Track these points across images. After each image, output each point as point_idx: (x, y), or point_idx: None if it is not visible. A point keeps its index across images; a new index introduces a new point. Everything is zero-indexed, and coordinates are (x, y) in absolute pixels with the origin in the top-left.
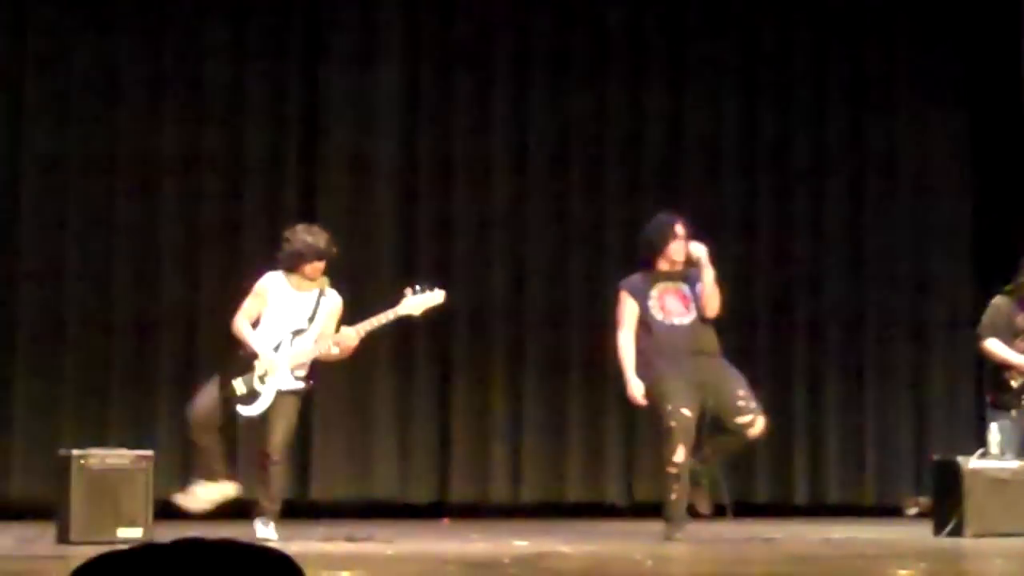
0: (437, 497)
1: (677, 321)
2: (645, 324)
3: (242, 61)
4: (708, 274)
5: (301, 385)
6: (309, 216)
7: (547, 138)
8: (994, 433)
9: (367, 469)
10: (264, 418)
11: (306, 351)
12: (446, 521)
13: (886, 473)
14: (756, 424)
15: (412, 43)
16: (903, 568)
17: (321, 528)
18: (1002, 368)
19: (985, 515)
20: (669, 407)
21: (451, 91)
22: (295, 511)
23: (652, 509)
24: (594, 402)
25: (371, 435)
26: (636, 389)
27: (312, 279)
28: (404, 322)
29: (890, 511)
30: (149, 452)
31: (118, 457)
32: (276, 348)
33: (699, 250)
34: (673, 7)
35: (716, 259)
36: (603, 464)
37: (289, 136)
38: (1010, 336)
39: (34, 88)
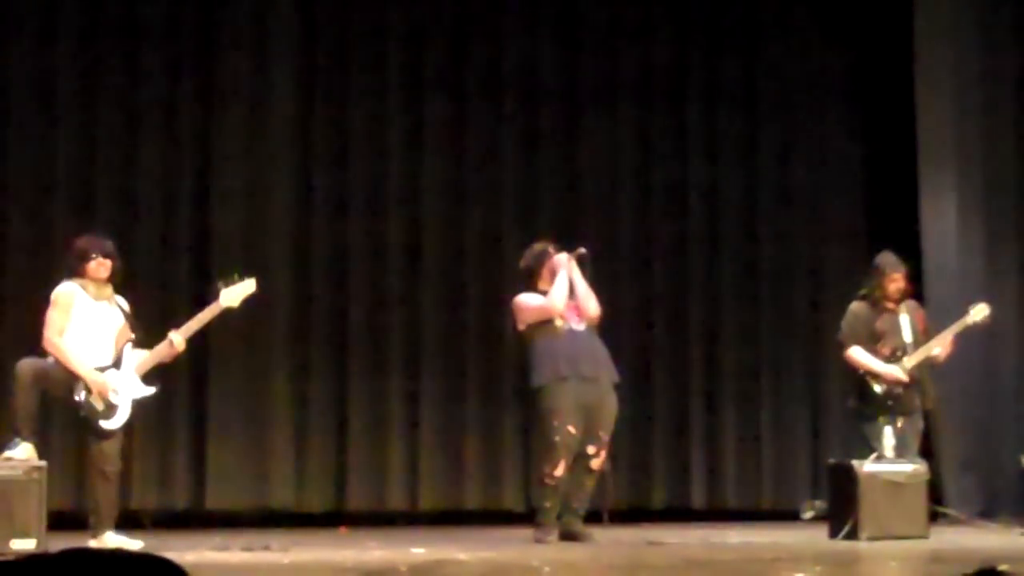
0: (334, 505)
1: (575, 326)
2: (546, 325)
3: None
4: (576, 275)
5: (153, 391)
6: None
7: (445, 149)
8: (887, 437)
9: (263, 478)
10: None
11: (146, 359)
12: (343, 529)
13: (782, 477)
14: (599, 457)
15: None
16: (799, 571)
17: (217, 538)
18: (866, 376)
19: (880, 518)
20: (556, 423)
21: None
22: (190, 521)
23: None
24: (491, 409)
25: (267, 444)
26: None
27: (101, 282)
28: (297, 328)
29: (787, 515)
30: (43, 463)
31: (11, 468)
32: (117, 362)
33: (561, 260)
34: (566, 16)
35: (611, 273)
36: (500, 471)
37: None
38: (871, 342)
39: None
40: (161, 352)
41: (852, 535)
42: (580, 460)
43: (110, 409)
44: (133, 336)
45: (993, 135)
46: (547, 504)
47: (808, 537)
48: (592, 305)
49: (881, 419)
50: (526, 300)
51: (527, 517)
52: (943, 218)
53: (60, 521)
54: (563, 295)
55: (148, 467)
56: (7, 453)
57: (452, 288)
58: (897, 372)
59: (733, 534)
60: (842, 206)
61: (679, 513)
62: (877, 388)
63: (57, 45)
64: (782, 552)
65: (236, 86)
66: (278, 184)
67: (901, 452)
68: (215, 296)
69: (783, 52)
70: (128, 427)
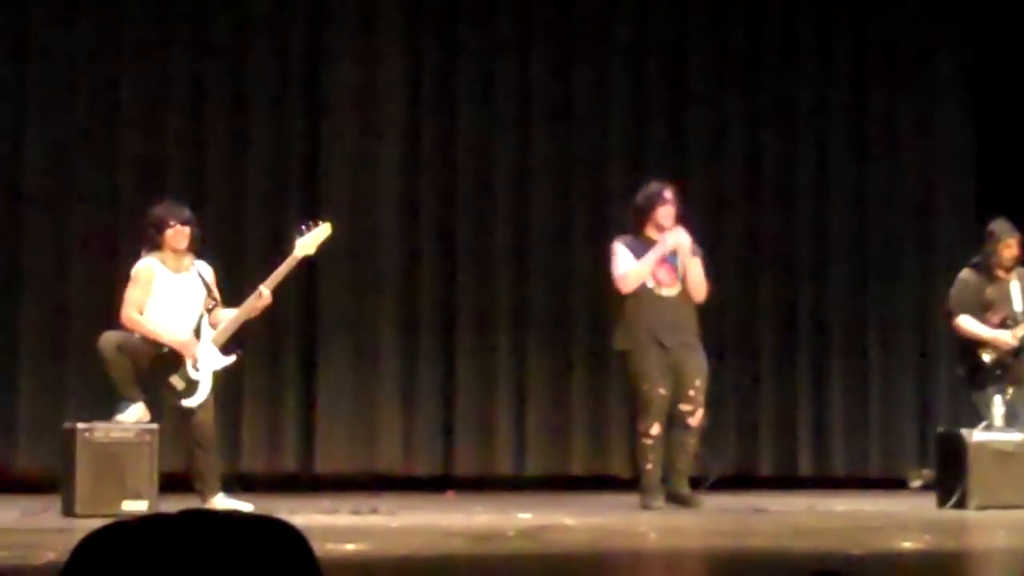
0: (442, 470)
1: (666, 292)
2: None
3: (244, 31)
4: (692, 265)
5: (233, 359)
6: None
7: (551, 109)
8: (997, 406)
9: (371, 442)
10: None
11: (227, 328)
12: (450, 494)
13: (890, 445)
14: (696, 415)
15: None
16: (907, 540)
17: (325, 501)
18: (975, 345)
19: (989, 487)
20: (646, 386)
21: (455, 61)
22: (299, 484)
23: None
24: (598, 375)
25: (375, 408)
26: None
27: (180, 253)
28: (405, 293)
29: (894, 483)
30: (154, 425)
31: (123, 430)
32: (196, 332)
33: (679, 238)
34: None
35: (718, 232)
36: (607, 437)
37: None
38: (980, 310)
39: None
40: (249, 307)
41: (960, 504)
42: (676, 419)
43: (190, 387)
44: (213, 305)
45: None
46: (648, 465)
47: (916, 506)
48: (701, 295)
49: (991, 388)
50: (619, 258)
51: (633, 483)
52: None
53: (171, 483)
54: (645, 273)
55: (257, 431)
56: (119, 416)
57: (559, 253)
58: (1007, 340)
59: (840, 502)
60: (952, 175)
61: (786, 481)
62: (986, 357)
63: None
64: (890, 521)
65: (344, 47)
66: (386, 150)
67: (1011, 422)
68: (291, 247)
69: (894, 21)
70: (217, 395)
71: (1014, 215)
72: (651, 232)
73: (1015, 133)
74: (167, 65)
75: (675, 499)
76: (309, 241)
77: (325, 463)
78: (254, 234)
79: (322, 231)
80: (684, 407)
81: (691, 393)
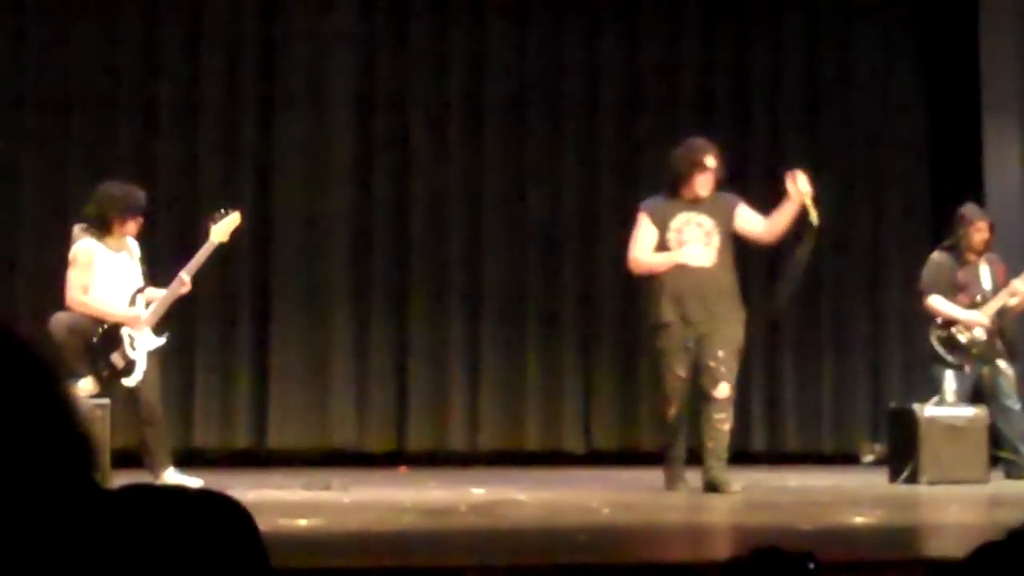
0: (395, 446)
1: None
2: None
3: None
4: (790, 209)
5: (164, 340)
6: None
7: (505, 83)
8: (949, 381)
9: (324, 418)
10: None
11: (156, 311)
12: (403, 469)
13: (843, 421)
14: (718, 387)
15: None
16: (859, 515)
17: (278, 477)
18: (948, 324)
19: (940, 462)
20: (663, 365)
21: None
22: (252, 460)
23: (609, 457)
24: (552, 350)
25: (328, 384)
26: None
27: (124, 235)
28: (358, 268)
29: (847, 459)
30: (106, 400)
31: None
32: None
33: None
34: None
35: None
36: (560, 413)
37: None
38: (952, 292)
39: None
40: (173, 292)
41: (912, 479)
42: (703, 393)
43: (128, 365)
44: (143, 286)
45: None
46: (669, 447)
47: (868, 481)
48: (776, 228)
49: (967, 367)
50: (639, 235)
51: (586, 459)
52: (1006, 168)
53: (123, 459)
54: (658, 269)
55: (210, 406)
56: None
57: (513, 228)
58: (979, 318)
59: (793, 478)
60: (904, 157)
61: (739, 457)
62: (962, 338)
63: None
64: (842, 496)
65: (297, 28)
66: (338, 127)
67: (990, 398)
68: (206, 235)
69: (844, 29)
70: (161, 368)
71: (966, 196)
72: (686, 194)
73: (967, 114)
74: (118, 39)
75: (710, 487)
76: (222, 228)
77: (278, 439)
78: (205, 209)
79: (232, 219)
80: (705, 379)
81: (711, 364)
